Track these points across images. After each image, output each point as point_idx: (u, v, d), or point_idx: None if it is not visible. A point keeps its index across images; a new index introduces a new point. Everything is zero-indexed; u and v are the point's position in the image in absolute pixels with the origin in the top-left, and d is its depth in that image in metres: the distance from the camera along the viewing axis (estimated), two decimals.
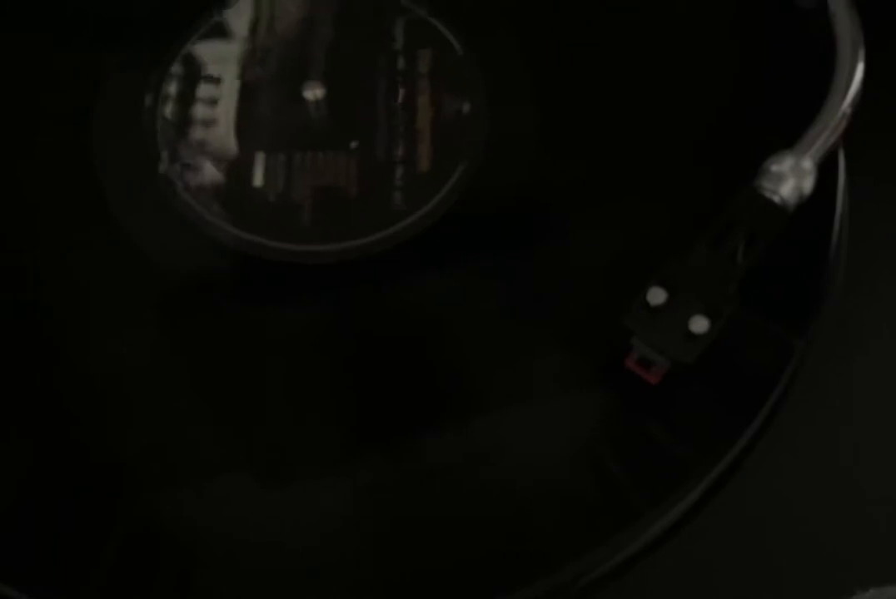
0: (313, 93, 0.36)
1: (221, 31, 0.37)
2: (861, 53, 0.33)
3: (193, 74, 0.37)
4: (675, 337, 0.31)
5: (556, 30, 0.37)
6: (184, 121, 0.36)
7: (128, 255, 0.35)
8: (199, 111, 0.36)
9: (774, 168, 0.32)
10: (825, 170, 0.32)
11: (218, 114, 0.36)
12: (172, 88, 0.37)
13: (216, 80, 0.37)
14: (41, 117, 0.36)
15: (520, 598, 0.31)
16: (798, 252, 0.33)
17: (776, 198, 0.32)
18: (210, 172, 0.36)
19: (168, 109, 0.36)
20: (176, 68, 0.37)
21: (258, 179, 0.36)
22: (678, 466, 0.32)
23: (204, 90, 0.37)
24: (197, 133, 0.36)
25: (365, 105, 0.36)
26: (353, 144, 0.36)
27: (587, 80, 0.36)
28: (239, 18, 0.38)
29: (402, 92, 0.36)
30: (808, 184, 0.32)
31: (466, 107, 0.36)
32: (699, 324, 0.31)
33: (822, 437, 0.34)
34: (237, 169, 0.36)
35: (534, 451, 0.32)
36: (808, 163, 0.32)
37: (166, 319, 0.34)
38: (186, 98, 0.37)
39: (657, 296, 0.31)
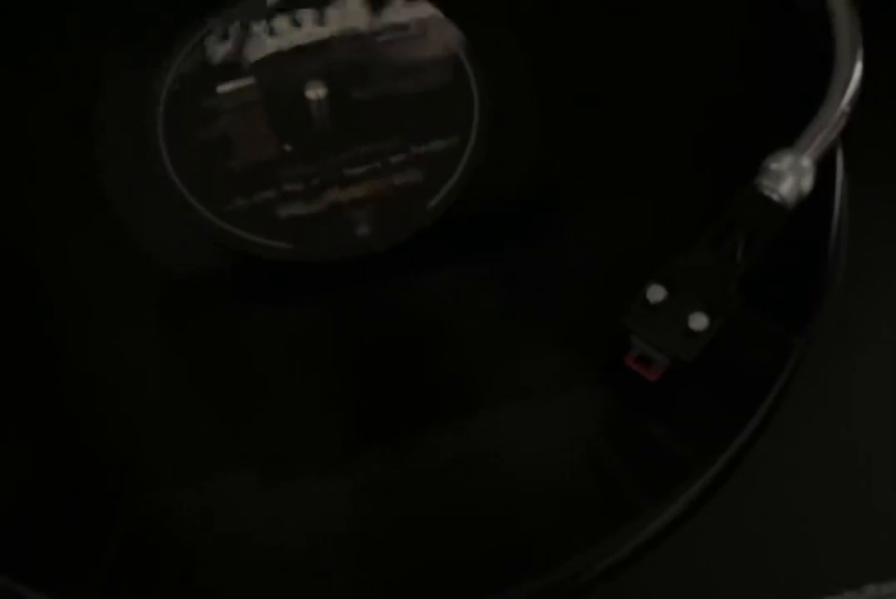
0: (315, 92, 0.36)
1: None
2: (859, 53, 0.33)
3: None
4: (675, 335, 0.31)
5: (556, 30, 0.37)
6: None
7: (129, 254, 0.35)
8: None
9: (774, 166, 0.32)
10: (824, 168, 0.33)
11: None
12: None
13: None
14: (41, 117, 0.37)
15: (520, 595, 0.31)
16: (797, 251, 0.33)
17: (775, 196, 0.32)
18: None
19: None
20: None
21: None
22: (677, 464, 0.32)
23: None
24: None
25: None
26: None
27: (588, 79, 0.36)
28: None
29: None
30: (807, 183, 0.32)
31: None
32: (698, 322, 0.31)
33: (820, 436, 0.34)
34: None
35: (533, 450, 0.32)
36: (807, 162, 0.32)
37: (167, 319, 0.34)
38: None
39: (657, 293, 0.31)
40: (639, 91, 0.36)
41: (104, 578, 0.31)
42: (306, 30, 0.37)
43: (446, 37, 0.37)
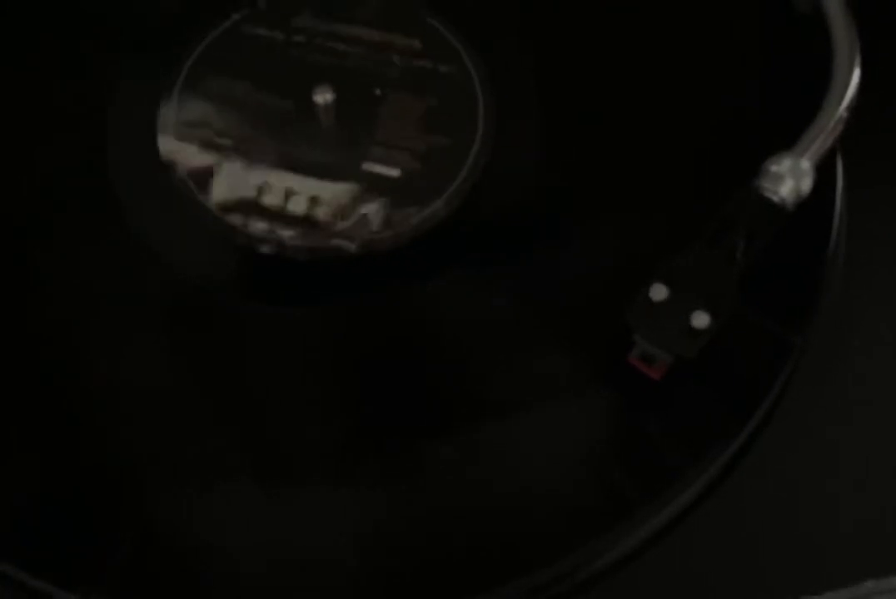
0: (323, 97, 0.36)
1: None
2: (857, 58, 0.33)
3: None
4: (677, 333, 0.31)
5: (558, 39, 0.38)
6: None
7: (143, 259, 0.35)
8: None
9: (773, 168, 0.32)
10: (823, 170, 0.33)
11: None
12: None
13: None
14: (54, 124, 0.37)
15: (518, 591, 0.31)
16: (796, 251, 0.34)
17: (775, 198, 0.32)
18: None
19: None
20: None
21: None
22: (677, 463, 0.32)
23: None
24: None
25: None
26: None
27: (590, 85, 0.37)
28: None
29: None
30: (806, 185, 0.32)
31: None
32: (700, 320, 0.31)
33: (819, 433, 0.34)
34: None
35: (533, 450, 0.33)
36: (806, 164, 0.32)
37: (178, 326, 0.35)
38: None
39: (659, 292, 0.32)
40: (640, 97, 0.37)
41: (108, 587, 0.31)
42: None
43: None
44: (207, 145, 0.37)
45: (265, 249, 0.35)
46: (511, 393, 0.33)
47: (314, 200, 0.36)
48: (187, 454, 0.33)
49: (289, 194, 0.36)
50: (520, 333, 0.34)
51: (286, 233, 0.35)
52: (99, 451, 0.33)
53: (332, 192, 0.36)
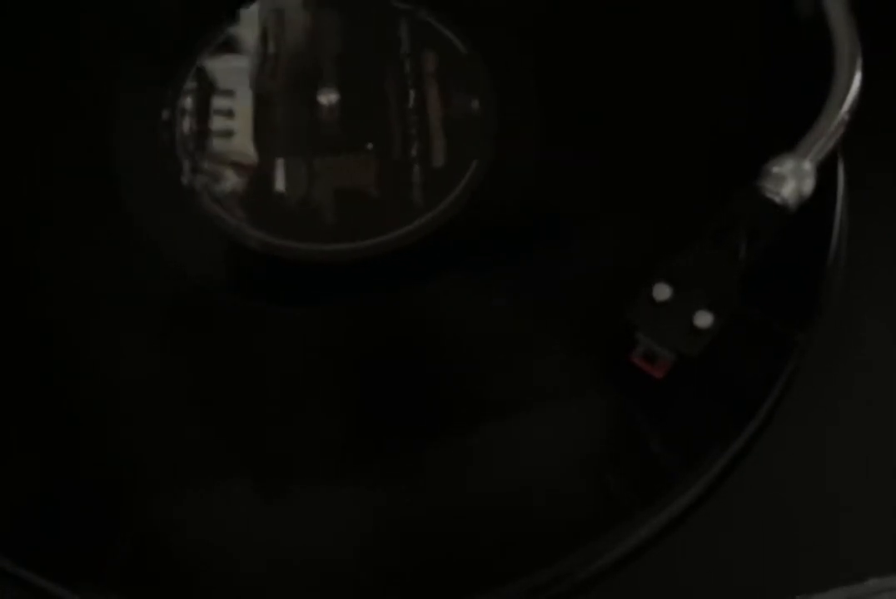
0: (327, 98, 0.37)
1: (233, 44, 0.38)
2: (858, 60, 0.34)
3: (208, 87, 0.38)
4: (680, 332, 0.31)
5: (556, 29, 0.38)
6: (202, 132, 0.37)
7: (144, 258, 0.35)
8: (217, 122, 0.37)
9: (776, 170, 0.33)
10: (824, 170, 0.33)
11: (235, 124, 0.37)
12: (188, 102, 0.37)
13: (231, 92, 0.38)
14: (60, 135, 0.37)
15: (518, 591, 0.31)
16: (797, 250, 0.34)
17: (777, 199, 0.32)
18: (232, 180, 0.36)
19: (185, 122, 0.37)
20: (191, 82, 0.38)
21: (279, 184, 0.36)
22: (677, 463, 0.32)
23: (219, 102, 0.37)
24: (216, 143, 0.37)
25: (377, 108, 0.37)
26: (370, 146, 0.37)
27: (591, 86, 0.37)
28: (248, 31, 0.39)
29: (411, 93, 0.37)
30: (808, 186, 0.33)
31: (475, 105, 0.37)
32: (703, 319, 0.31)
33: (820, 433, 0.34)
34: (258, 175, 0.37)
35: (533, 451, 0.33)
36: (808, 166, 0.33)
37: (178, 326, 0.35)
38: (203, 110, 0.37)
39: (662, 291, 0.32)
40: (641, 96, 0.37)
41: (115, 581, 0.32)
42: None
43: None
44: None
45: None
46: (511, 394, 0.33)
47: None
48: (187, 453, 0.33)
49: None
50: (520, 334, 0.34)
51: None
52: (99, 450, 0.33)
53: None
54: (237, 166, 0.37)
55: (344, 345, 0.34)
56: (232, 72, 0.38)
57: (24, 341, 0.34)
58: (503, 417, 0.33)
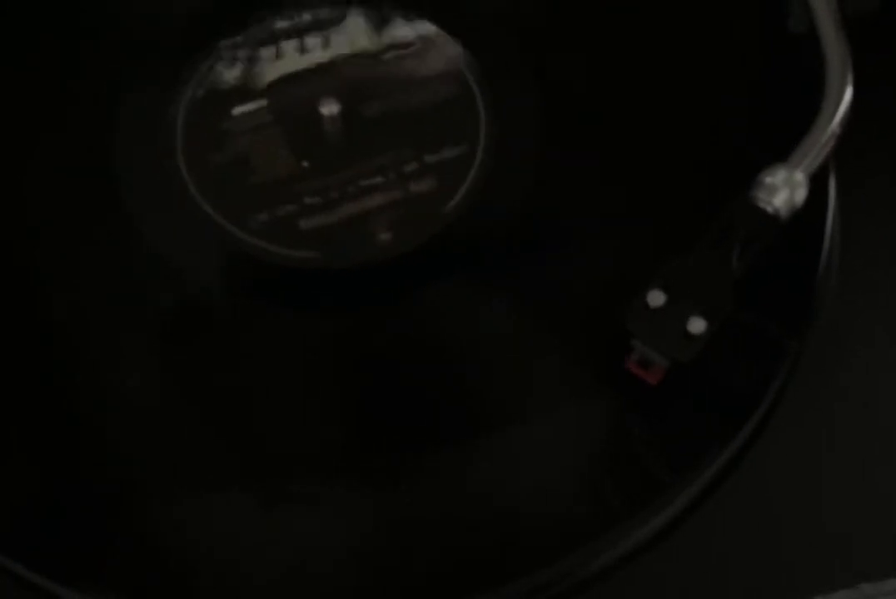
0: (329, 109, 0.37)
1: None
2: (849, 76, 0.34)
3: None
4: (674, 338, 0.32)
5: (558, 42, 0.38)
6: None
7: (145, 262, 0.35)
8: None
9: (768, 180, 0.33)
10: (817, 177, 0.34)
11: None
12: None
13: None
14: (60, 135, 0.37)
15: (518, 591, 0.32)
16: (791, 256, 0.34)
17: (770, 209, 0.33)
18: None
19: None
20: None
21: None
22: (674, 467, 0.33)
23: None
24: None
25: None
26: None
27: (588, 89, 0.37)
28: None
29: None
30: (800, 196, 0.33)
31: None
32: (696, 325, 0.32)
33: (816, 437, 0.34)
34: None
35: (533, 452, 0.33)
36: (800, 176, 0.33)
37: (182, 327, 0.35)
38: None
39: (656, 298, 0.32)
40: (639, 107, 0.37)
41: (115, 581, 0.32)
42: (313, 52, 0.39)
43: (447, 52, 0.38)
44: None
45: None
46: (510, 398, 0.34)
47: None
48: (187, 455, 0.33)
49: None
50: (517, 339, 0.34)
51: None
52: (99, 450, 0.33)
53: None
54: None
55: (343, 349, 0.35)
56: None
57: (24, 342, 0.35)
58: (502, 421, 0.33)
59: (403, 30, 0.39)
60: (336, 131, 0.37)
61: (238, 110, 0.38)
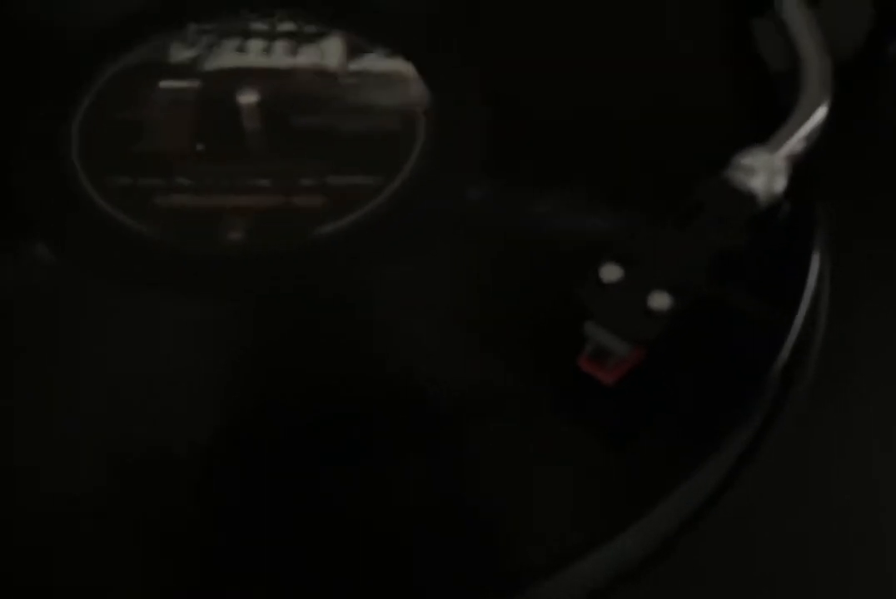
0: (247, 99, 0.36)
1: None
2: (829, 70, 0.33)
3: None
4: (633, 316, 0.28)
5: (521, 93, 0.37)
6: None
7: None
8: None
9: (745, 161, 0.31)
10: (806, 180, 0.32)
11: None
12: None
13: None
14: None
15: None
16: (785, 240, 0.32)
17: (744, 189, 0.31)
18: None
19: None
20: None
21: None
22: (672, 469, 0.30)
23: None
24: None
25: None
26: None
27: (548, 146, 0.35)
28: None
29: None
30: (779, 183, 0.31)
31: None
32: (660, 300, 0.28)
33: (817, 438, 0.32)
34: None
35: (533, 454, 0.30)
36: (779, 161, 0.31)
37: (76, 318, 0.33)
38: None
39: (612, 272, 0.29)
40: (605, 152, 0.35)
41: None
42: (276, 57, 0.38)
43: (411, 92, 0.37)
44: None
45: None
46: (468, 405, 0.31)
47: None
48: None
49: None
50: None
51: None
52: None
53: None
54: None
55: (260, 339, 0.32)
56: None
57: None
58: (502, 420, 0.30)
59: (376, 62, 0.38)
60: (252, 130, 0.36)
61: (166, 84, 0.37)
